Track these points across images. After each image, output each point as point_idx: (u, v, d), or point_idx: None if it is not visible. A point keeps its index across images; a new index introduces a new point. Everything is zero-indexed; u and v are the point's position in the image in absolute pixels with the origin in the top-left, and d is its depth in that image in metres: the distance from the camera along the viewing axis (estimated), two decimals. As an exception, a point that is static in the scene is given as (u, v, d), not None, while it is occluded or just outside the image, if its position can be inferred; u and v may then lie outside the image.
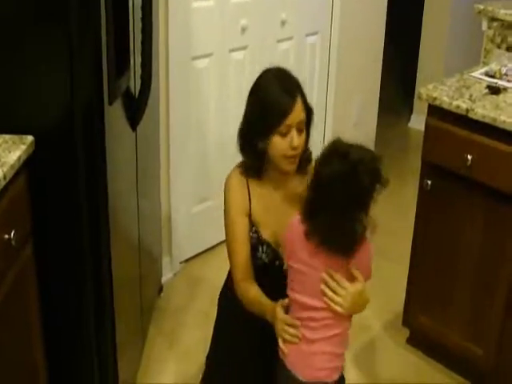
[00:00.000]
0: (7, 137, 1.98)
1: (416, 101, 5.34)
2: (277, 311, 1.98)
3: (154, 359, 2.95)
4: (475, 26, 3.63)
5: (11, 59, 1.96)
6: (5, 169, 1.82)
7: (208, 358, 2.41)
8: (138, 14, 2.39)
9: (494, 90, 2.71)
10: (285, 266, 2.04)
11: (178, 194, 3.44)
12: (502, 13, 3.09)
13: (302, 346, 1.95)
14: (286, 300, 1.99)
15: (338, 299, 1.91)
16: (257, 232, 2.15)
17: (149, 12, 2.40)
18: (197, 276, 3.53)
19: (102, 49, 1.97)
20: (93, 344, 2.24)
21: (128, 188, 2.49)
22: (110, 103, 2.08)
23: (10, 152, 1.90)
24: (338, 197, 1.82)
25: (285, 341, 1.97)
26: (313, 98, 3.74)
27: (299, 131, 2.04)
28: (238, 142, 2.16)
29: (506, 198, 2.51)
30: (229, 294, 2.25)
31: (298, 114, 2.03)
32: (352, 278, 1.91)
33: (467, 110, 2.55)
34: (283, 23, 3.72)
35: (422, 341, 3.05)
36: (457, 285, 2.79)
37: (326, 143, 1.91)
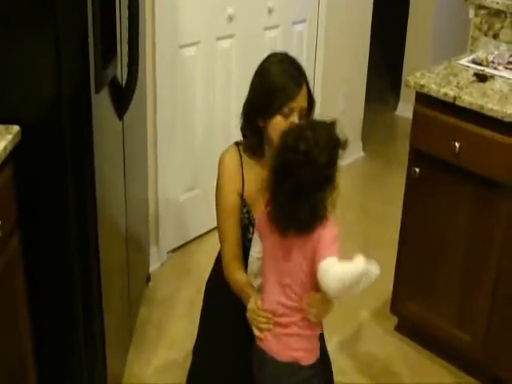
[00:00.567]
0: (-7, 127, 1.96)
1: (403, 89, 5.33)
2: (250, 301, 2.02)
3: (141, 349, 2.94)
4: (462, 14, 3.63)
5: (-4, 48, 1.94)
6: (-9, 159, 1.81)
7: (195, 346, 2.41)
8: (125, 1, 2.37)
9: (481, 78, 2.71)
10: None
11: (165, 183, 3.43)
12: (489, 0, 3.09)
13: (276, 330, 1.97)
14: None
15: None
16: (248, 212, 2.16)
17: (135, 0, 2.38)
18: (184, 266, 3.53)
19: (88, 37, 1.95)
20: (81, 334, 2.24)
21: (115, 177, 2.47)
22: (97, 92, 2.06)
23: (-5, 142, 1.89)
24: (292, 182, 1.84)
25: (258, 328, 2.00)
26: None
27: (300, 117, 2.08)
28: (240, 120, 2.19)
29: (493, 186, 2.52)
30: (215, 280, 2.26)
31: (302, 100, 2.08)
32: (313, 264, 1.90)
33: (455, 98, 2.56)
34: (270, 11, 3.71)
35: (410, 328, 3.06)
36: (444, 272, 2.80)
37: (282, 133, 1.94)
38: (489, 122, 2.48)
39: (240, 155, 2.18)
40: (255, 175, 2.16)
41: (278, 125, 2.06)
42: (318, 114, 2.19)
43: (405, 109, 5.08)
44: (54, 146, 2.02)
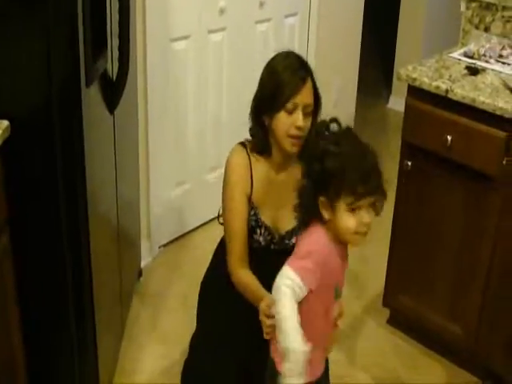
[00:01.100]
0: (-19, 122, 1.94)
1: (395, 82, 5.34)
2: (261, 304, 1.93)
3: (133, 344, 2.93)
4: (453, 7, 3.62)
5: (-16, 42, 1.92)
6: (-21, 155, 1.80)
7: (192, 339, 2.39)
8: (115, -6, 2.36)
9: (473, 71, 2.71)
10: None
11: (156, 178, 3.42)
12: (481, -7, 3.09)
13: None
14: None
15: None
16: (256, 214, 2.16)
17: (125, -7, 2.37)
18: (176, 260, 3.52)
19: (78, 31, 1.93)
20: (72, 330, 2.23)
21: (106, 172, 2.46)
22: (88, 86, 2.05)
23: (-16, 137, 1.87)
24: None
25: (266, 334, 1.90)
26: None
27: (306, 115, 2.08)
28: (248, 120, 2.20)
29: (485, 179, 2.52)
30: (214, 273, 2.26)
31: (306, 95, 2.08)
32: None
33: (447, 91, 2.55)
34: (262, 4, 3.69)
35: (402, 321, 3.07)
36: (437, 265, 2.80)
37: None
38: (481, 115, 2.48)
39: (248, 155, 2.18)
40: (264, 175, 2.16)
41: (282, 121, 2.06)
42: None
43: (396, 102, 5.08)
44: (44, 140, 2.00)
